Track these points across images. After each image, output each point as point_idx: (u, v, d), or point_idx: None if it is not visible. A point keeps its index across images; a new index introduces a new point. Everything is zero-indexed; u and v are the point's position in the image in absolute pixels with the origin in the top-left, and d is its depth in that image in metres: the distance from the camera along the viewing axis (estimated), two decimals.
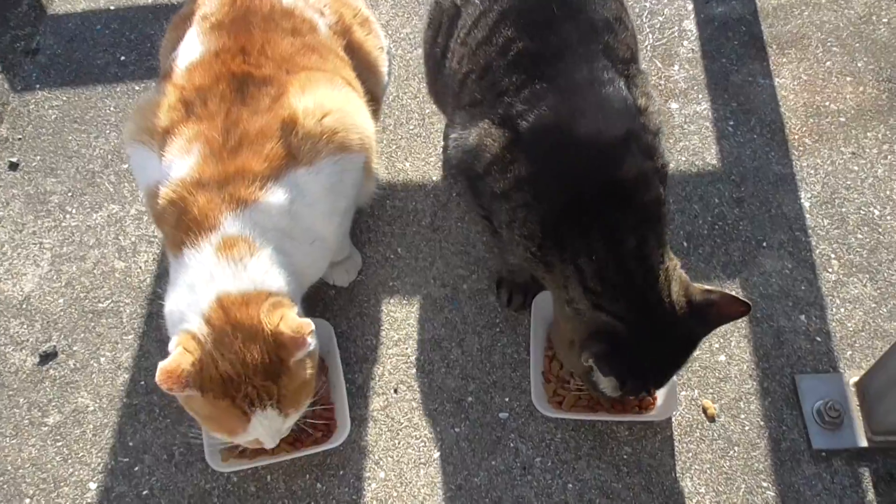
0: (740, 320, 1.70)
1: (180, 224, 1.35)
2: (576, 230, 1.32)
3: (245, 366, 1.26)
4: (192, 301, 1.30)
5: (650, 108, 1.39)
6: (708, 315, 1.34)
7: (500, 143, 1.37)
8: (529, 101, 1.35)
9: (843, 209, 1.85)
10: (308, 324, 1.26)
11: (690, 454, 1.57)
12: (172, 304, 1.34)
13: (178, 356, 1.24)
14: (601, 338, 1.32)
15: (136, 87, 2.08)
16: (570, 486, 1.54)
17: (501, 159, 1.37)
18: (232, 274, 1.30)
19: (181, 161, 1.36)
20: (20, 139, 2.01)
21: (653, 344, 1.32)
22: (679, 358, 1.37)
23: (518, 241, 1.40)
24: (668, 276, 1.34)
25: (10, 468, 1.58)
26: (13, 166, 1.96)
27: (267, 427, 1.32)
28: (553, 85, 1.34)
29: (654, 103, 1.41)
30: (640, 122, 1.35)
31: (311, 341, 1.26)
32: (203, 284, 1.30)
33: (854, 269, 1.77)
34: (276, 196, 1.35)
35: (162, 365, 1.22)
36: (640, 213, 1.32)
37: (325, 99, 1.43)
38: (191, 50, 1.46)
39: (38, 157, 1.98)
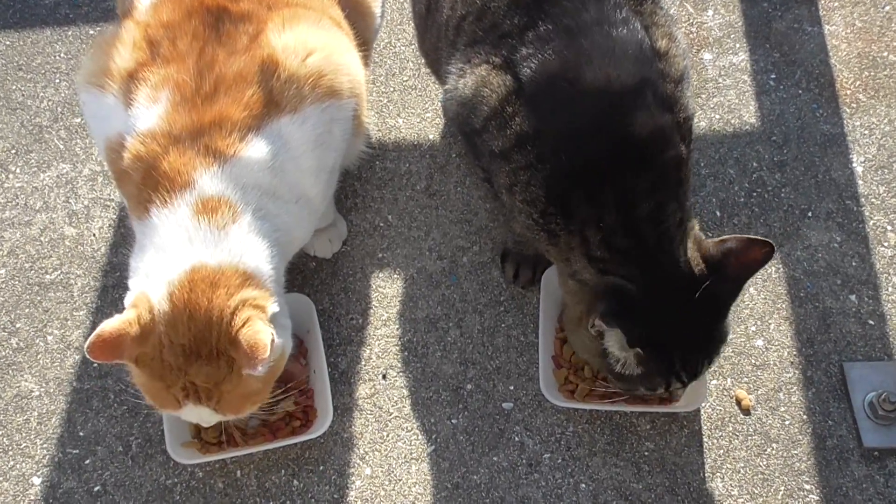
0: (781, 300, 1.70)
1: (148, 180, 1.34)
2: (583, 195, 1.32)
3: (189, 361, 1.27)
4: (161, 262, 1.30)
5: (672, 52, 1.38)
6: (727, 268, 1.33)
7: (498, 94, 1.37)
8: (533, 44, 1.34)
9: None
10: (264, 346, 1.22)
11: (722, 451, 1.57)
12: (139, 261, 1.35)
13: (124, 324, 1.24)
14: (609, 296, 1.32)
15: (91, 31, 2.07)
16: (583, 486, 1.54)
17: (500, 113, 1.37)
18: (213, 241, 1.30)
19: (148, 110, 1.36)
20: None
21: (673, 315, 1.32)
22: (708, 334, 1.36)
23: (520, 207, 1.40)
24: (685, 237, 1.34)
25: None
26: None
27: (198, 418, 1.36)
28: (558, 26, 1.34)
29: (678, 46, 1.40)
30: (657, 68, 1.35)
31: (262, 369, 1.23)
32: (177, 248, 1.30)
33: None
34: (257, 149, 1.35)
35: (102, 329, 1.22)
36: (656, 175, 1.32)
37: (308, 36, 1.42)
38: None
39: None
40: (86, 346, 1.21)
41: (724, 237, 1.36)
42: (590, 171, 1.32)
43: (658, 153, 1.32)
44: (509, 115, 1.36)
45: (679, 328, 1.34)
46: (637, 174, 1.31)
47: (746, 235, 1.34)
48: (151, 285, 1.29)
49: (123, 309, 1.31)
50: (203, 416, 1.34)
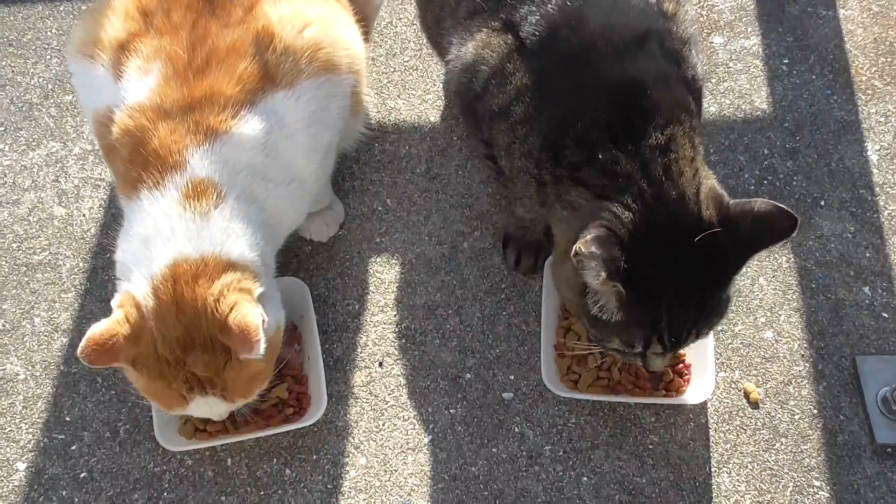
0: (792, 291, 1.68)
1: (136, 157, 1.32)
2: (579, 141, 1.29)
3: (185, 352, 1.25)
4: (143, 257, 1.29)
5: (679, 16, 1.37)
6: (741, 227, 1.24)
7: (499, 54, 1.37)
8: (534, 2, 1.35)
9: None
10: (255, 327, 1.20)
11: (729, 446, 1.55)
12: (123, 253, 1.34)
13: (114, 324, 1.23)
14: (599, 220, 1.23)
15: (83, 7, 2.05)
16: (585, 479, 1.51)
17: (501, 71, 1.37)
18: (196, 231, 1.28)
19: (139, 82, 1.34)
20: None
21: (669, 260, 1.23)
22: (703, 298, 1.27)
23: (519, 166, 1.38)
24: (697, 176, 1.27)
25: None
26: None
27: (208, 411, 1.34)
28: None
29: (686, 12, 1.39)
30: (664, 24, 1.34)
31: (259, 349, 1.20)
32: (160, 241, 1.28)
33: None
34: (250, 126, 1.33)
35: (92, 332, 1.21)
36: (666, 112, 1.28)
37: (305, 8, 1.41)
38: None
39: None
40: (79, 352, 1.20)
41: (751, 199, 1.26)
42: (589, 115, 1.29)
43: (665, 96, 1.29)
44: (510, 72, 1.36)
45: (673, 277, 1.24)
46: (641, 113, 1.27)
47: (774, 202, 1.24)
48: (135, 283, 1.28)
49: (112, 291, 1.30)
50: (213, 406, 1.32)
